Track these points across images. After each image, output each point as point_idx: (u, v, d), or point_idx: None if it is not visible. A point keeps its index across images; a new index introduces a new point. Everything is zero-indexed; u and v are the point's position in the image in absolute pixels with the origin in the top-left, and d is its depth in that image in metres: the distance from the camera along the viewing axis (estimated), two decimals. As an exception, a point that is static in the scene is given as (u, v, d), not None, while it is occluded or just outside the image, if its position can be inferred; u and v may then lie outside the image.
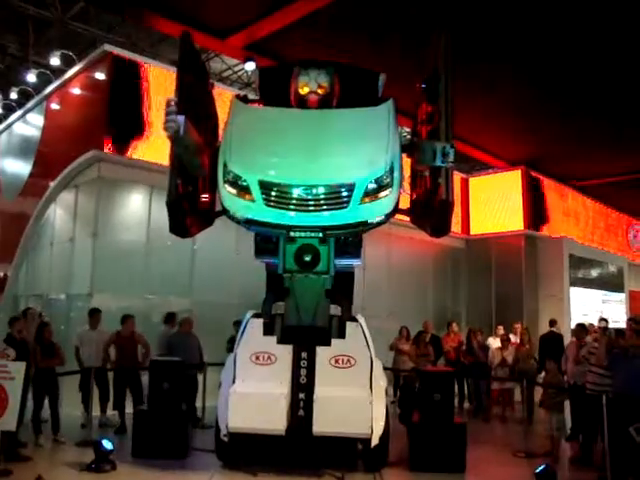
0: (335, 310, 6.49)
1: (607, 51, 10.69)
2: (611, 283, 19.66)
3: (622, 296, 19.75)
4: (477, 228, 17.53)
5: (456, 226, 16.57)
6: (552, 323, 12.21)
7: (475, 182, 17.77)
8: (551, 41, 10.46)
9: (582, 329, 9.19)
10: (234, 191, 5.82)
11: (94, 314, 9.18)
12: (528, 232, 16.66)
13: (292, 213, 5.66)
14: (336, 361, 6.40)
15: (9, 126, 15.37)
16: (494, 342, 11.80)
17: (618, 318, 17.58)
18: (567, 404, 8.43)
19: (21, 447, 7.02)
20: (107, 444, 6.56)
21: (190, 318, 9.78)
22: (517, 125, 14.52)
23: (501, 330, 12.34)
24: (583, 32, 10.12)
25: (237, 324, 10.48)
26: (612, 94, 12.34)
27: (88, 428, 8.26)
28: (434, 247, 15.61)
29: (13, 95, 16.08)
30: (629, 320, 9.96)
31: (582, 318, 14.37)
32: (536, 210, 17.14)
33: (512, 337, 11.77)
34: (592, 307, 17.32)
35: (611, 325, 10.57)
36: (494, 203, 17.29)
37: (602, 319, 10.58)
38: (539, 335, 12.49)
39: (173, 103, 5.47)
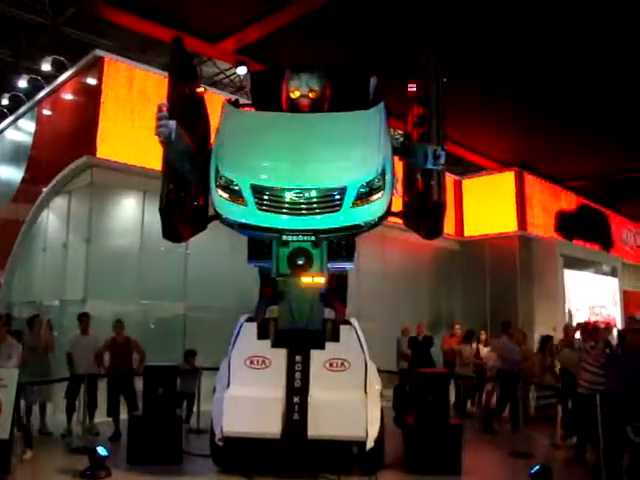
0: (329, 313, 6.50)
1: (598, 54, 10.77)
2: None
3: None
4: (471, 230, 17.58)
5: (450, 228, 16.63)
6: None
7: (468, 184, 17.83)
8: (544, 45, 10.52)
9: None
10: (226, 195, 5.80)
11: (82, 318, 9.10)
12: (522, 233, 16.72)
13: (284, 217, 5.65)
14: (330, 364, 6.42)
15: (0, 132, 15.33)
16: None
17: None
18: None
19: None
20: (102, 450, 6.54)
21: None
22: (510, 127, 14.59)
23: (483, 335, 12.52)
24: (575, 36, 10.20)
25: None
26: (604, 96, 12.42)
27: (70, 436, 8.32)
28: (428, 249, 15.62)
29: (4, 101, 16.00)
30: (629, 319, 10.11)
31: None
32: (529, 211, 17.20)
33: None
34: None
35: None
36: (487, 205, 17.35)
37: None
38: (535, 335, 12.50)
39: (165, 108, 5.47)
